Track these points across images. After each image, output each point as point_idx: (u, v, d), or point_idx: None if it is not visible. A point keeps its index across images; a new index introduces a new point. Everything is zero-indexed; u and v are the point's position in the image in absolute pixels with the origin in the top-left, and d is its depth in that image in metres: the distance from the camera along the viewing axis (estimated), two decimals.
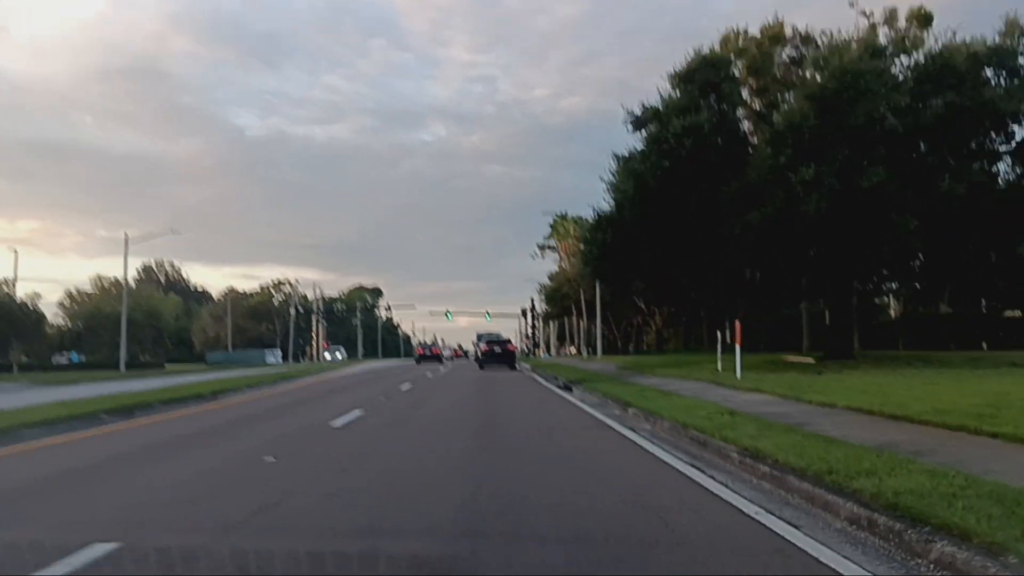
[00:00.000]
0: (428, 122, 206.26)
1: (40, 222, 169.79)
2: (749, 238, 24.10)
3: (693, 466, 8.30)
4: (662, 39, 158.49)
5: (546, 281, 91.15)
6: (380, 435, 11.40)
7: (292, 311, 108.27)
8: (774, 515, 5.97)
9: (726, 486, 7.17)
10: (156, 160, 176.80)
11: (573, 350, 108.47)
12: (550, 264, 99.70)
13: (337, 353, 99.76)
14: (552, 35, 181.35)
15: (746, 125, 29.37)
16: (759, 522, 5.79)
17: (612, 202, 28.73)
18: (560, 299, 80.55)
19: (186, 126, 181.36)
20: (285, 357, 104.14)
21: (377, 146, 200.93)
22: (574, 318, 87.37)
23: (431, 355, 67.26)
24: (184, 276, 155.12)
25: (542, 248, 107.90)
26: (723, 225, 25.21)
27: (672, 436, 10.82)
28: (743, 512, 6.12)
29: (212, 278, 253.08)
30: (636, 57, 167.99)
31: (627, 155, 27.72)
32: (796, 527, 5.62)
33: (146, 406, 16.80)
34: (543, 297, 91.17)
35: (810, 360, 28.80)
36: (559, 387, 25.04)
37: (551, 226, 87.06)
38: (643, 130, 27.61)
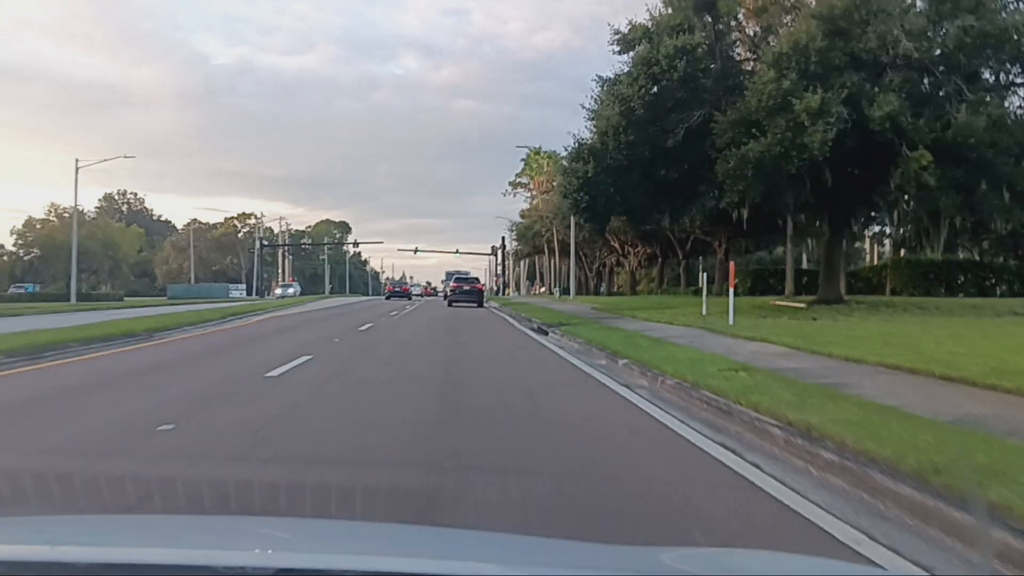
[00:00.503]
0: (398, 54, 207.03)
1: None
2: (744, 172, 21.95)
3: (724, 446, 6.26)
4: None
5: (517, 219, 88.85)
6: (320, 392, 9.25)
7: (256, 244, 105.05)
8: (883, 545, 3.94)
9: (783, 483, 5.13)
10: (118, 86, 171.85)
11: (543, 289, 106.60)
12: (521, 202, 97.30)
13: (290, 289, 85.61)
14: None
15: (743, 50, 27.03)
16: (870, 560, 3.75)
17: (593, 131, 26.38)
18: (532, 237, 78.23)
19: (148, 51, 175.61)
20: (250, 292, 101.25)
21: (345, 77, 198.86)
22: (546, 257, 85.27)
23: (400, 292, 68.87)
24: (147, 206, 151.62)
25: (514, 185, 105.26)
26: (716, 158, 23.02)
27: (680, 398, 8.80)
28: (836, 538, 4.08)
29: (178, 209, 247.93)
30: None
31: (612, 78, 25.28)
32: (927, 570, 3.61)
33: (60, 346, 14.51)
34: (514, 235, 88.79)
35: (800, 304, 27.00)
36: (533, 330, 23.06)
37: (524, 161, 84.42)
38: (631, 52, 25.16)
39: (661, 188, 27.00)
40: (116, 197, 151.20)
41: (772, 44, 24.19)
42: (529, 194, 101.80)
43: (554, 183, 77.46)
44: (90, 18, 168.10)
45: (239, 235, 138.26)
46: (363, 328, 21.41)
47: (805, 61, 21.34)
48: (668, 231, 51.01)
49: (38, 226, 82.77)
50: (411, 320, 27.39)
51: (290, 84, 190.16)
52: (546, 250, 77.96)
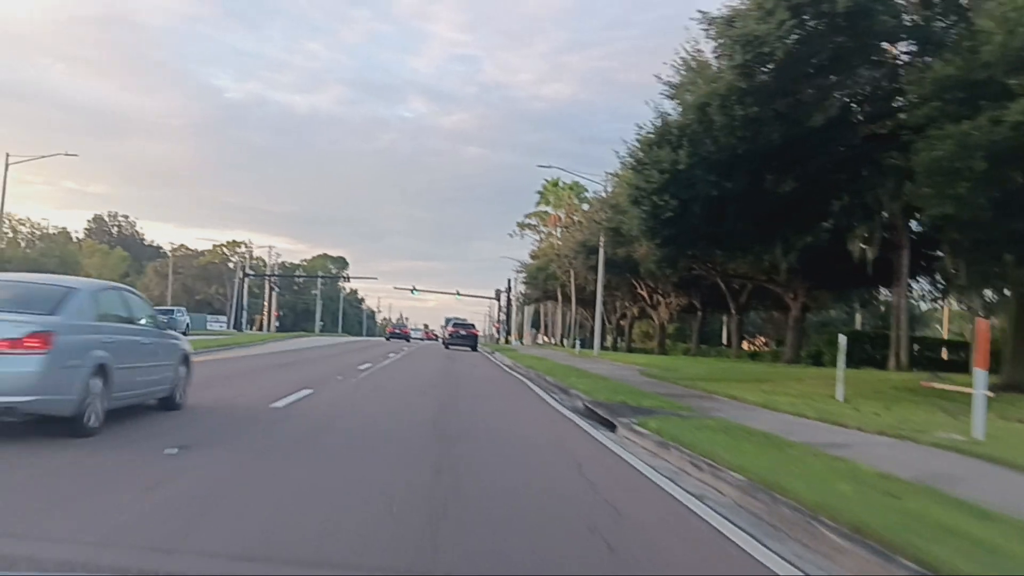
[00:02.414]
0: (407, 97, 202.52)
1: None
2: (967, 164, 12.57)
3: None
4: (647, 33, 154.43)
5: (525, 262, 79.36)
6: None
7: (240, 273, 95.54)
8: None
9: None
10: (126, 113, 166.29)
11: (544, 339, 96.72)
12: (529, 244, 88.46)
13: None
14: (538, 20, 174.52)
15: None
16: None
17: (684, 106, 17.00)
18: (543, 280, 68.56)
19: (159, 81, 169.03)
20: (240, 325, 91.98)
21: (355, 118, 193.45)
22: (558, 303, 75.67)
23: (400, 334, 72.55)
24: (138, 231, 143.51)
25: (522, 227, 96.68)
26: (908, 142, 13.65)
27: None
28: None
29: (181, 240, 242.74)
30: (620, 49, 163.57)
31: (727, 16, 15.84)
32: None
33: None
34: (523, 277, 79.14)
35: (988, 393, 17.34)
36: (579, 413, 13.65)
37: (540, 193, 74.87)
38: None
39: (776, 202, 17.60)
40: (106, 219, 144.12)
41: None
42: (538, 236, 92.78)
43: (575, 217, 68.51)
44: (101, 45, 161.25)
45: (230, 264, 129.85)
46: (284, 403, 11.79)
47: None
48: (717, 277, 41.68)
49: None
50: (385, 384, 17.74)
51: (299, 121, 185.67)
52: (559, 295, 68.32)
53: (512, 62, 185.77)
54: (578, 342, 46.80)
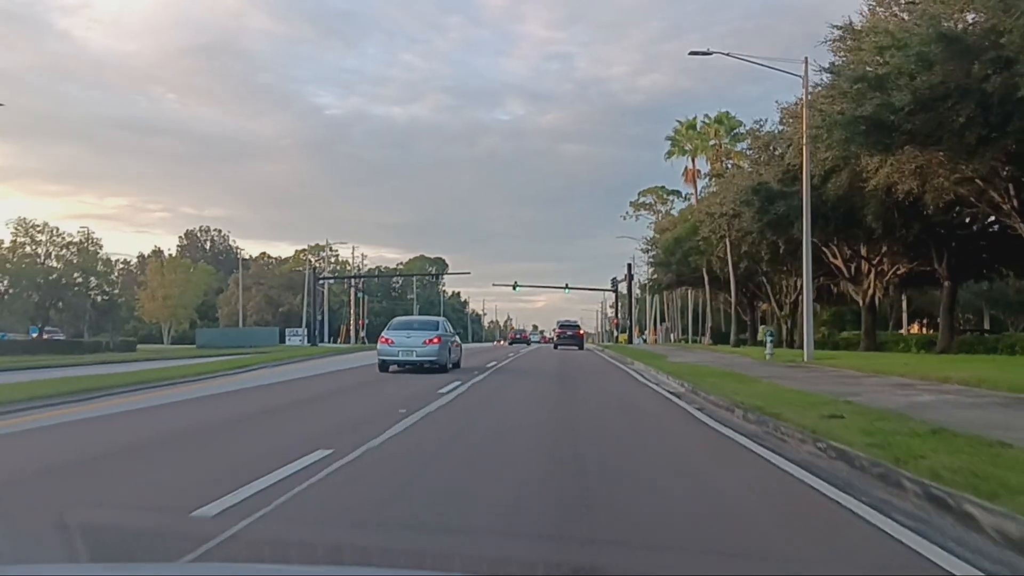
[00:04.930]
0: (505, 100, 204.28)
1: (127, 199, 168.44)
2: None
3: None
4: (746, 14, 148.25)
5: (653, 238, 62.03)
6: None
7: (307, 275, 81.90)
8: None
9: None
10: (238, 138, 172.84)
11: (673, 335, 79.94)
12: (645, 227, 72.04)
13: None
14: (631, 11, 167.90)
15: None
16: None
17: None
18: (683, 256, 50.96)
19: (265, 104, 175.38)
20: (314, 338, 78.40)
21: (454, 124, 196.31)
22: (704, 287, 57.91)
23: (521, 339, 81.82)
24: (232, 244, 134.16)
25: (636, 206, 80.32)
26: None
27: None
28: None
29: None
30: (719, 32, 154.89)
31: None
32: None
33: None
34: (650, 257, 61.68)
35: None
36: None
37: (670, 139, 56.75)
38: None
39: None
40: (198, 234, 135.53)
41: None
42: (656, 215, 76.06)
43: (726, 161, 51.44)
44: (211, 73, 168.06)
45: (317, 272, 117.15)
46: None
47: None
48: (1012, 208, 23.77)
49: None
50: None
51: (402, 133, 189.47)
52: (704, 276, 50.74)
53: (607, 56, 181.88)
54: (769, 340, 29.43)
